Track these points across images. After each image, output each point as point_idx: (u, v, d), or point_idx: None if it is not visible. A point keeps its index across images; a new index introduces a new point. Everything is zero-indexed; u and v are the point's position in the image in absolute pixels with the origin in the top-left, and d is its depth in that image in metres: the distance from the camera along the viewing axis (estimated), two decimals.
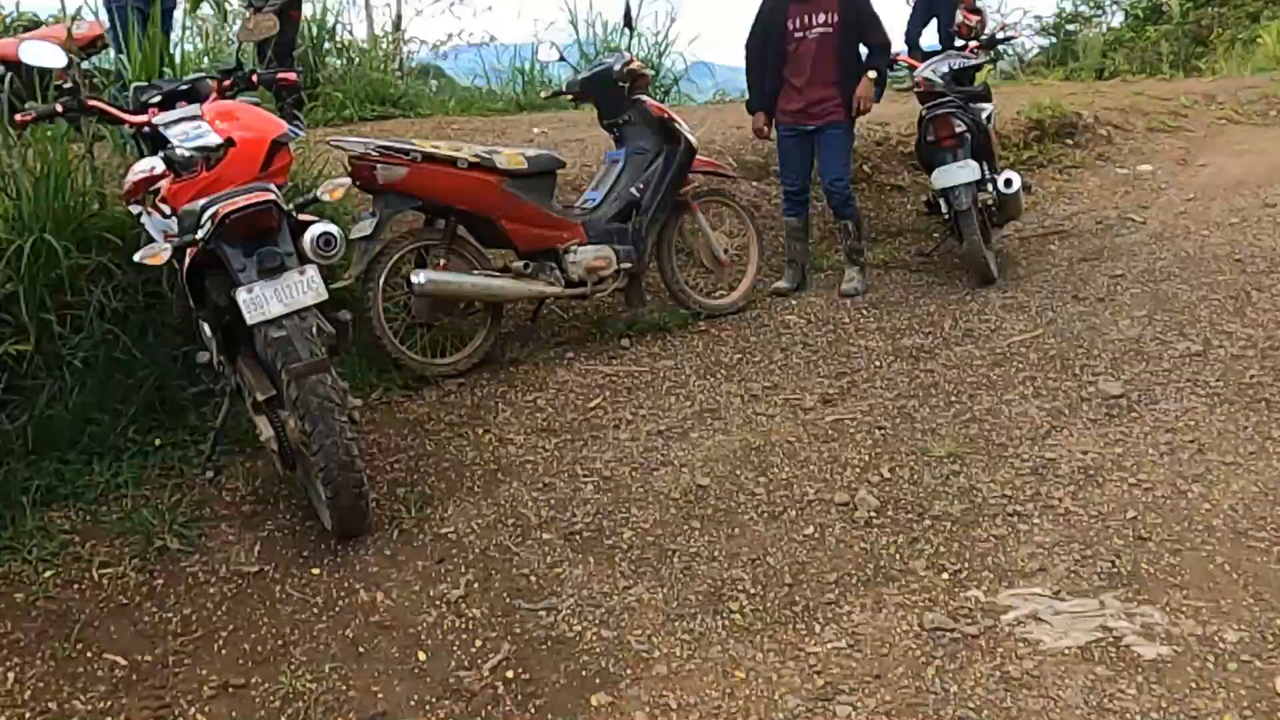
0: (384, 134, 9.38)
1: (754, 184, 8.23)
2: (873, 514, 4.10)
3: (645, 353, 5.89)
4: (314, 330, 3.68)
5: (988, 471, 4.38)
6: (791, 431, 4.84)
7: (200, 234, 3.66)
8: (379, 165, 5.32)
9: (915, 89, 6.99)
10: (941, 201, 6.83)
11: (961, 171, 6.57)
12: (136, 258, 3.70)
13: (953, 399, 5.11)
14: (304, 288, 3.62)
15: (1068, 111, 10.40)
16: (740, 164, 8.25)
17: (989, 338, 5.90)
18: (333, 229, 3.69)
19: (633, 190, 6.06)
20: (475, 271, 5.62)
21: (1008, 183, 6.70)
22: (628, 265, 5.96)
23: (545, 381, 5.50)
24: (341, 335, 4.23)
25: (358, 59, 11.74)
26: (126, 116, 4.50)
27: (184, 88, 4.65)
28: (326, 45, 11.98)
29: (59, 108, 4.39)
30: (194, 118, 4.09)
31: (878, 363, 5.64)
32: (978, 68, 7.28)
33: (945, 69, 6.95)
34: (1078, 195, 9.02)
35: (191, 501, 4.29)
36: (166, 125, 4.09)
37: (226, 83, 4.58)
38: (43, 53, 4.35)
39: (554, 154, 5.92)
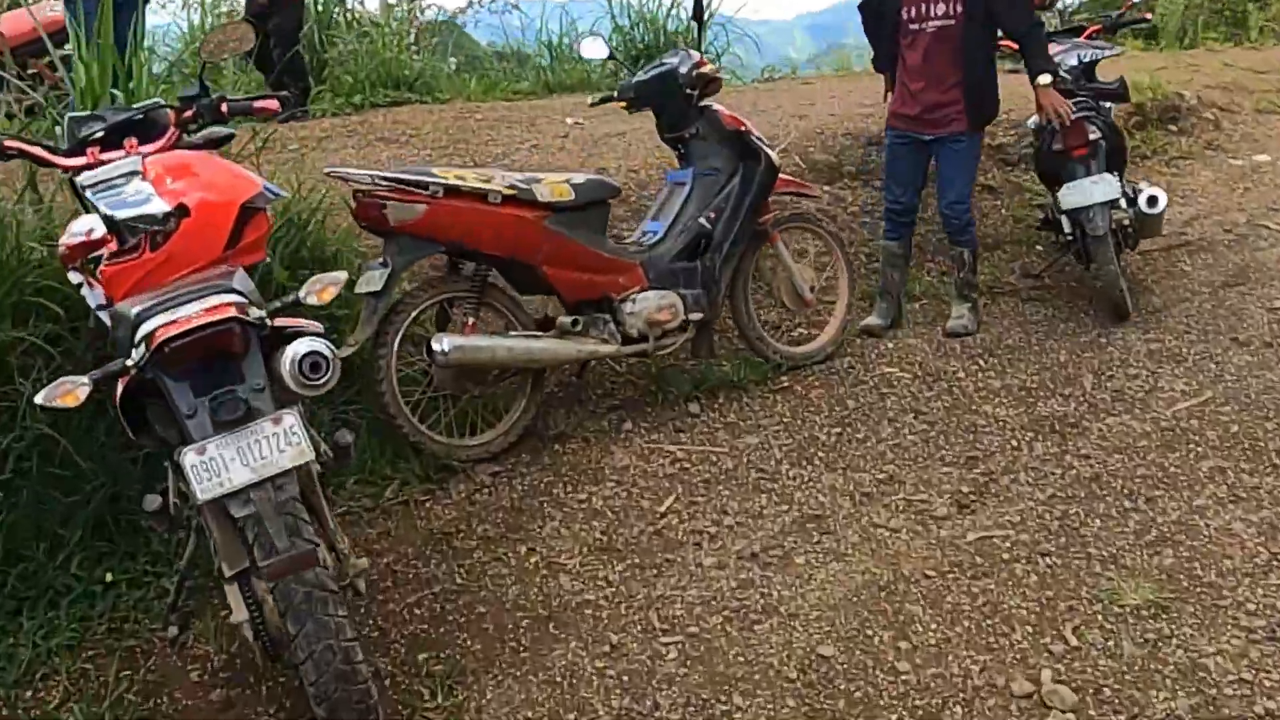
0: (398, 125, 8.31)
1: (825, 188, 7.08)
2: (1070, 715, 2.99)
3: (720, 422, 4.78)
4: (296, 503, 2.59)
5: (1206, 634, 3.27)
6: (926, 557, 3.74)
7: (133, 359, 2.57)
8: (390, 203, 4.21)
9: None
10: (1064, 220, 5.68)
11: (1096, 188, 5.41)
12: (39, 399, 2.62)
13: (1127, 504, 4.00)
14: (280, 442, 2.53)
15: (1169, 93, 9.17)
16: (808, 165, 7.10)
17: (1146, 403, 4.78)
18: (322, 348, 2.59)
19: (702, 220, 4.93)
20: (511, 333, 4.51)
21: (1151, 201, 5.54)
22: (698, 314, 4.84)
23: (600, 468, 4.41)
24: (341, 459, 3.16)
25: (370, 34, 10.59)
26: (55, 159, 3.40)
27: (136, 118, 3.54)
28: (335, 19, 10.88)
29: None
30: (130, 174, 2.97)
31: (1014, 442, 4.52)
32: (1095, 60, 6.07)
33: (1074, 61, 5.77)
34: (1192, 194, 7.82)
35: (147, 681, 3.23)
36: (93, 186, 2.98)
37: (188, 113, 3.46)
38: None
39: (607, 180, 4.80)
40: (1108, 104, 5.92)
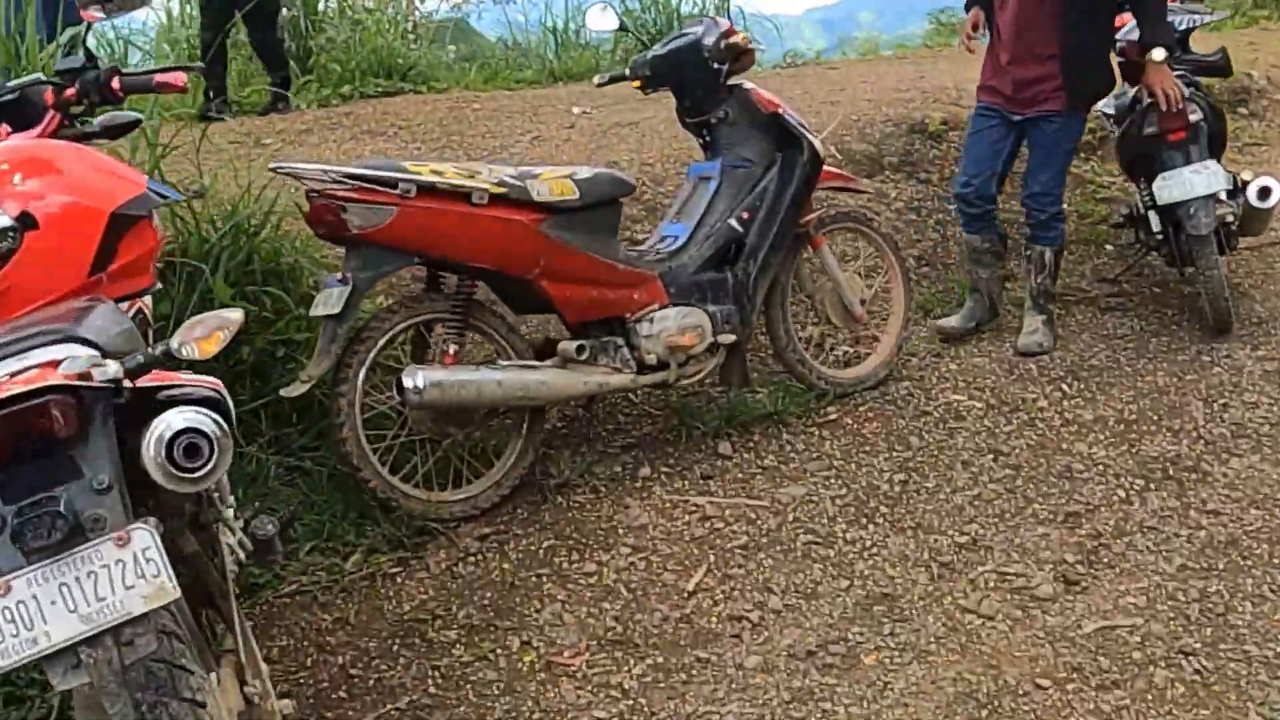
0: (387, 116, 7.48)
1: (865, 181, 6.24)
2: None
3: (756, 466, 3.95)
4: (158, 664, 1.75)
5: None
6: (1034, 658, 2.90)
7: None
8: (350, 205, 3.39)
9: (1119, 59, 4.92)
10: (1153, 216, 4.83)
11: (1198, 179, 4.56)
12: None
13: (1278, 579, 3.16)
14: (127, 575, 1.69)
15: (1236, 72, 8.28)
16: (845, 155, 6.26)
17: (1274, 438, 3.93)
18: (202, 423, 1.75)
19: (733, 222, 4.09)
20: (502, 362, 3.69)
21: (1263, 193, 4.67)
22: (728, 336, 4.00)
23: (613, 528, 3.58)
24: (262, 554, 2.35)
25: (364, 21, 9.78)
26: None
27: (6, 99, 2.72)
28: (323, 6, 10.06)
29: None
30: None
31: (1121, 492, 3.68)
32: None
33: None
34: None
35: None
36: None
37: (69, 91, 2.64)
38: None
39: (618, 174, 3.96)
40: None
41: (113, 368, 1.76)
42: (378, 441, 3.59)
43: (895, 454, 3.98)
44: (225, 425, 1.78)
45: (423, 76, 9.00)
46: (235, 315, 1.84)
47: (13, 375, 1.66)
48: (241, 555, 2.33)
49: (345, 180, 3.41)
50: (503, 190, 3.56)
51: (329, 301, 3.44)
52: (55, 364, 1.69)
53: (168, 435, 1.74)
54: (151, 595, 1.66)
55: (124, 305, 2.19)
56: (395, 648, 3.07)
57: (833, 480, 3.82)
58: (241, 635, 2.20)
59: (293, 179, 3.58)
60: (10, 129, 2.68)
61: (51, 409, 1.63)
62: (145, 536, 1.66)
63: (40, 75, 2.77)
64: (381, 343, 3.54)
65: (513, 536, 3.58)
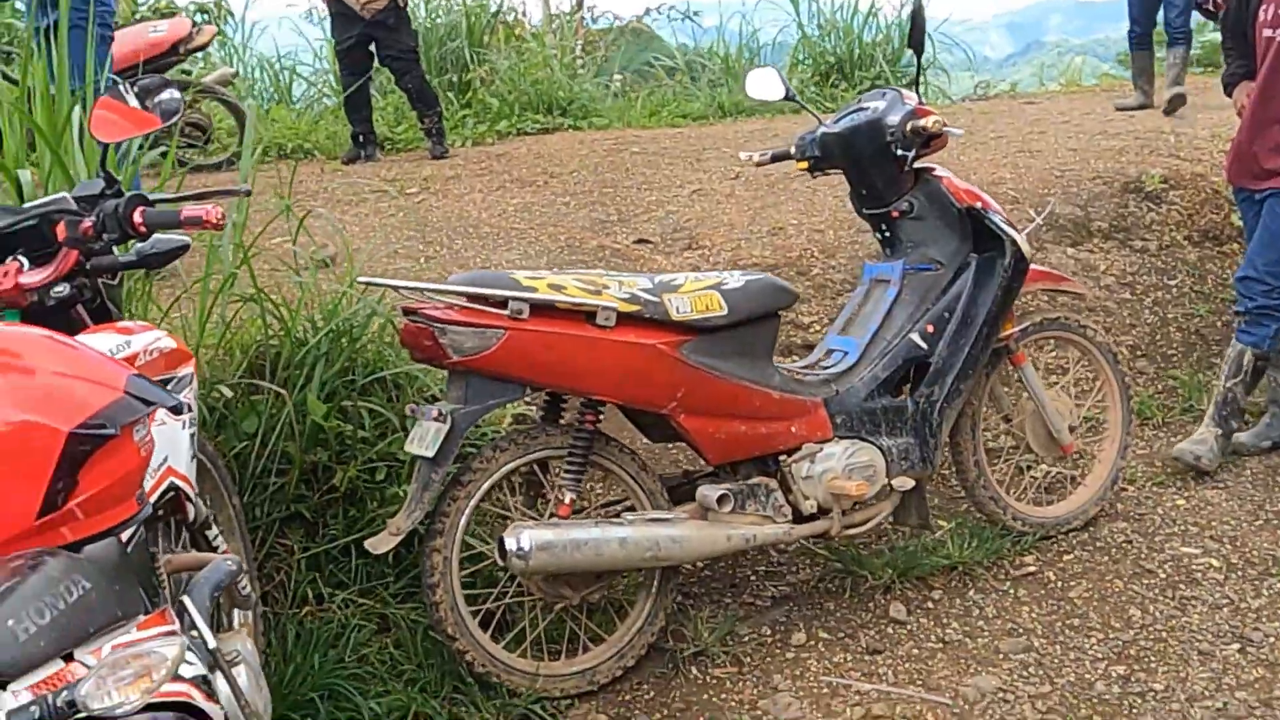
0: (540, 160, 6.97)
1: (1068, 251, 5.43)
2: None
3: (936, 638, 3.24)
4: None
5: None
6: None
7: None
8: (450, 328, 2.83)
9: None
10: None
11: None
12: None
13: None
14: None
15: None
16: (1045, 221, 5.43)
17: None
18: None
19: (915, 338, 3.39)
20: (627, 516, 3.07)
21: None
22: (905, 479, 3.31)
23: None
24: None
25: (529, 49, 9.36)
26: None
27: (26, 225, 2.23)
28: (488, 33, 9.69)
29: None
30: None
31: None
32: None
33: None
34: None
35: None
36: None
37: (85, 225, 2.12)
38: None
39: (778, 282, 3.29)
40: None
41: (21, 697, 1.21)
42: (479, 600, 3.03)
43: (1111, 634, 3.21)
44: None
45: (584, 111, 8.50)
46: (170, 651, 1.27)
47: None
48: None
49: (446, 297, 2.86)
50: (634, 308, 2.96)
51: (424, 440, 2.88)
52: None
53: None
54: None
55: (95, 549, 1.65)
56: None
57: (1032, 670, 3.08)
58: None
59: (383, 289, 3.05)
60: (24, 263, 2.19)
61: None
62: None
63: (67, 196, 2.27)
64: (485, 487, 2.98)
65: None
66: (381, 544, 2.95)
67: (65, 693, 1.24)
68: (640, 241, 5.31)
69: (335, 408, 3.34)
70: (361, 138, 7.04)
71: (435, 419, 2.87)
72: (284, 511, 3.27)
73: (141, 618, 1.69)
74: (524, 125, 8.15)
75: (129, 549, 1.83)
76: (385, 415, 3.40)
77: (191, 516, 2.42)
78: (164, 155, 3.75)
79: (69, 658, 1.47)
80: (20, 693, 1.32)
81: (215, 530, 2.61)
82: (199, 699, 1.47)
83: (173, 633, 1.69)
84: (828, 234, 5.19)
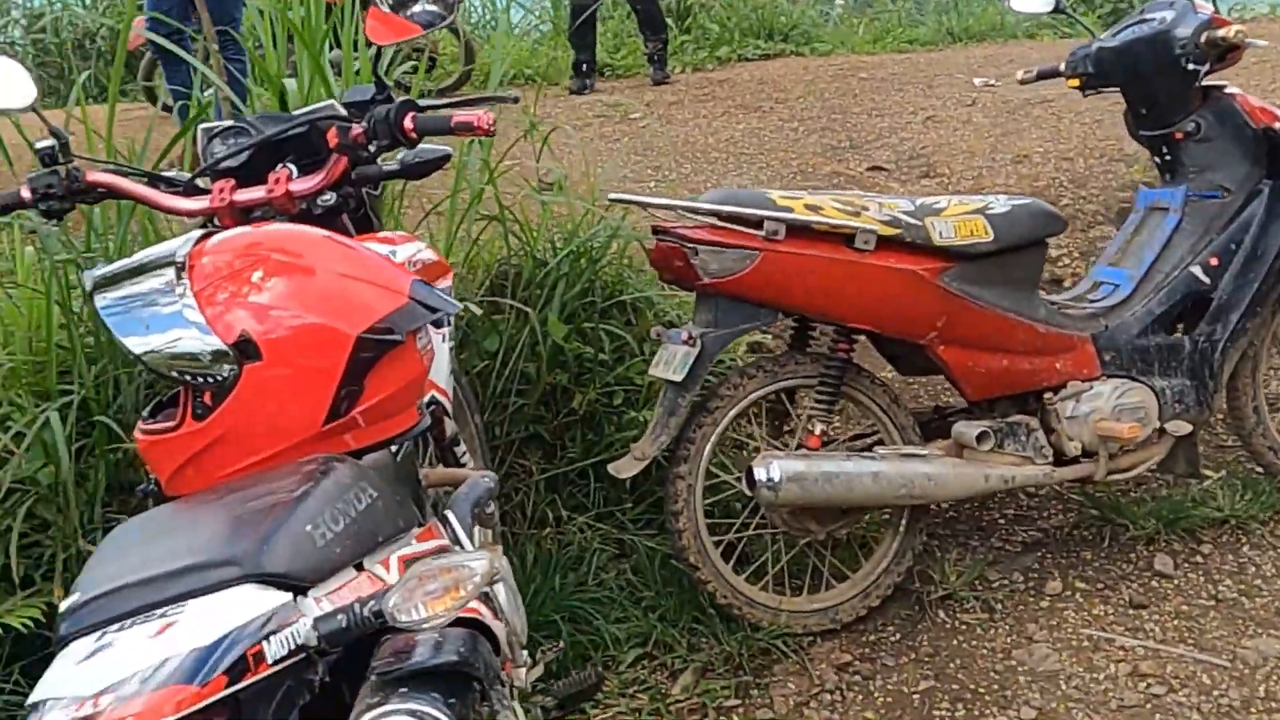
0: (764, 86, 6.79)
1: None
2: None
3: (1208, 596, 3.01)
4: None
5: None
6: None
7: None
8: (701, 248, 2.72)
9: None
10: None
11: None
12: None
13: None
14: None
15: None
16: None
17: None
18: None
19: (1196, 271, 3.12)
20: (880, 450, 2.92)
21: None
22: (1180, 423, 3.06)
23: (1011, 674, 2.78)
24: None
25: None
26: (163, 199, 2.13)
27: (296, 132, 2.21)
28: None
29: (25, 193, 2.08)
30: (163, 265, 1.58)
31: None
32: None
33: None
34: None
35: None
36: (102, 289, 1.62)
37: (356, 131, 2.08)
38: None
39: (1046, 208, 3.06)
40: None
41: (300, 632, 1.17)
42: (719, 531, 2.95)
43: None
44: None
45: (805, 37, 8.25)
46: (480, 566, 1.20)
47: (128, 692, 1.06)
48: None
49: (699, 217, 2.76)
50: (895, 231, 2.79)
51: (671, 364, 2.80)
52: (191, 674, 1.09)
53: None
54: None
55: (373, 459, 1.61)
56: None
57: None
58: None
59: (633, 206, 2.96)
60: (293, 170, 2.17)
61: None
62: None
63: (335, 103, 2.25)
64: (732, 414, 2.88)
65: (880, 669, 2.85)
66: (625, 468, 2.88)
67: (372, 603, 1.19)
68: (874, 169, 5.10)
69: (575, 330, 3.28)
70: (585, 66, 6.98)
71: (684, 342, 2.78)
72: (523, 432, 3.25)
73: (417, 530, 1.65)
74: (744, 51, 7.96)
75: (398, 460, 1.80)
76: (624, 338, 3.33)
77: (447, 432, 2.39)
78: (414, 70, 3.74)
79: (359, 567, 1.43)
80: (322, 600, 1.29)
81: (463, 447, 2.58)
82: (487, 616, 1.41)
83: (443, 548, 1.65)
84: (1077, 162, 4.88)
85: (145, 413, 1.70)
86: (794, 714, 2.73)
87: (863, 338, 2.98)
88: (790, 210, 2.75)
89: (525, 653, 2.09)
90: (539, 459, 3.26)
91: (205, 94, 3.32)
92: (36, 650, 2.57)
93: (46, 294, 2.61)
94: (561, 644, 2.41)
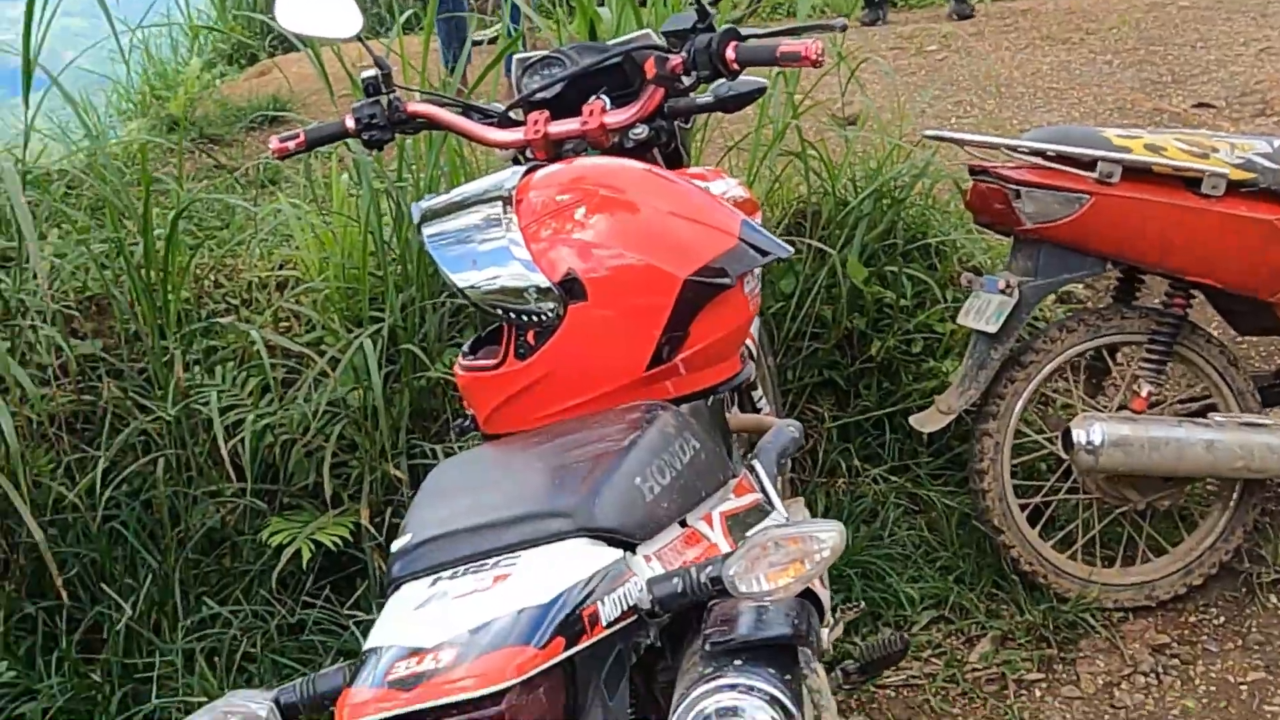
0: (1072, 16, 6.35)
1: None
2: None
3: None
4: None
5: None
6: None
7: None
8: (1025, 191, 2.53)
9: None
10: None
11: None
12: None
13: None
14: None
15: None
16: None
17: None
18: (757, 699, 1.02)
19: None
20: (1215, 416, 2.66)
21: None
22: None
23: None
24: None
25: None
26: (478, 131, 2.12)
27: (610, 62, 2.14)
28: None
29: (349, 122, 2.10)
30: (491, 199, 1.54)
31: None
32: None
33: None
34: None
35: None
36: (429, 220, 1.58)
37: (675, 62, 1.99)
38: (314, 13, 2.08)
39: None
40: None
41: (633, 593, 1.11)
42: (1027, 493, 2.77)
43: None
44: (795, 712, 1.05)
45: None
46: (829, 539, 1.10)
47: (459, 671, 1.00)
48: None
49: (1024, 156, 2.55)
50: (1248, 176, 2.51)
51: (984, 313, 2.63)
52: (530, 632, 1.04)
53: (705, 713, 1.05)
54: None
55: (691, 408, 1.54)
56: None
57: None
58: None
59: (948, 143, 2.78)
60: (607, 102, 2.11)
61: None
62: None
63: (651, 33, 2.17)
64: (1047, 370, 2.68)
65: (1201, 654, 2.62)
66: (928, 422, 2.74)
67: (710, 569, 1.12)
68: (1201, 105, 4.68)
69: (875, 273, 3.14)
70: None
71: (1001, 291, 2.59)
72: (816, 377, 3.15)
73: (732, 483, 1.58)
74: None
75: (711, 408, 1.72)
76: (926, 283, 3.16)
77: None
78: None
79: (682, 523, 1.36)
80: (650, 559, 1.23)
81: (759, 391, 2.50)
82: (817, 584, 1.32)
83: (758, 504, 1.56)
84: None
85: (465, 348, 1.68)
86: (1102, 694, 2.54)
87: (1200, 293, 2.71)
88: (1128, 150, 2.51)
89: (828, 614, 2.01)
90: (831, 406, 3.15)
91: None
92: (344, 567, 2.68)
93: (363, 223, 2.66)
94: (862, 604, 2.31)
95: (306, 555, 2.48)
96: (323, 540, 2.52)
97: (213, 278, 3.09)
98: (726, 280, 1.51)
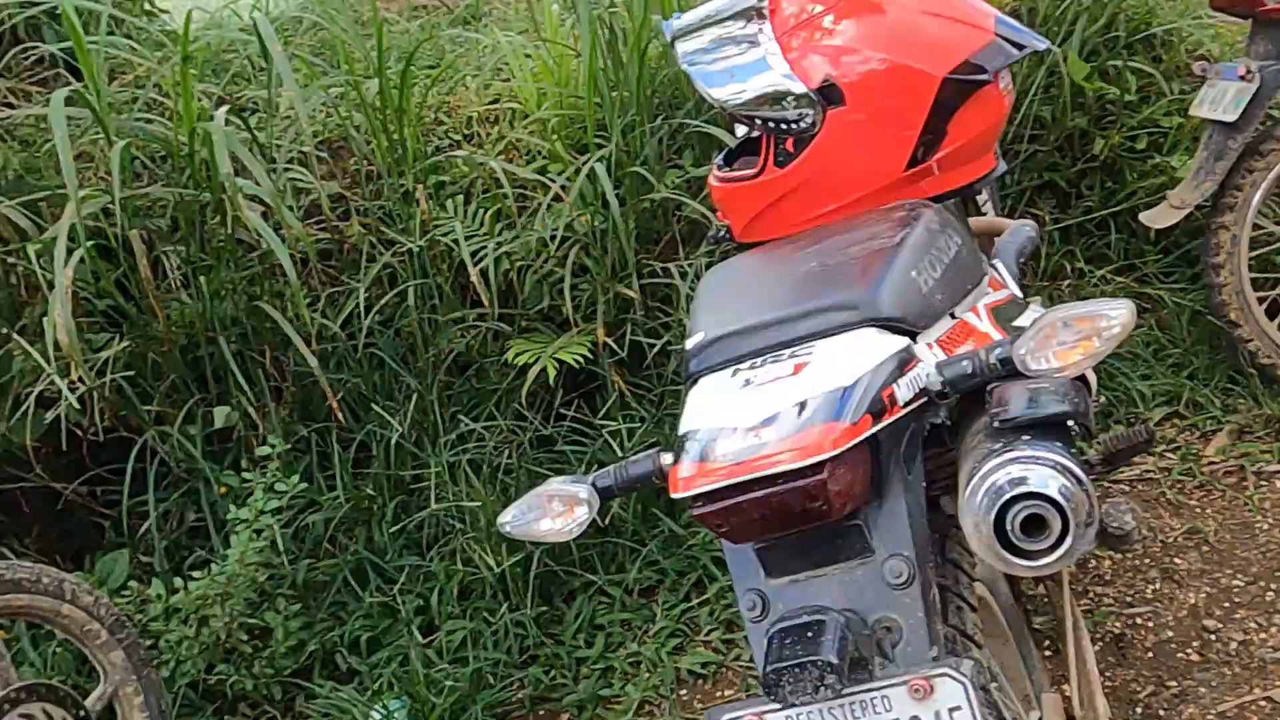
0: None
1: None
2: None
3: None
4: None
5: None
6: None
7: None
8: None
9: None
10: None
11: None
12: None
13: None
14: None
15: None
16: None
17: None
18: (1060, 489, 1.08)
19: None
20: None
21: None
22: None
23: None
24: (1114, 545, 1.72)
25: None
26: None
27: None
28: None
29: None
30: (744, 11, 1.55)
31: None
32: None
33: None
34: None
35: None
36: (684, 36, 1.62)
37: None
38: None
39: None
40: None
41: (925, 376, 1.17)
42: (1265, 286, 2.71)
43: None
44: (1087, 481, 1.11)
45: None
46: (1119, 316, 1.13)
47: (775, 446, 1.08)
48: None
49: None
50: None
51: (1221, 102, 2.54)
52: (839, 412, 1.11)
53: (1001, 497, 1.12)
54: None
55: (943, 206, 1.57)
56: (1268, 595, 2.30)
57: None
58: (1078, 660, 1.61)
59: None
60: None
61: (825, 487, 1.09)
62: (956, 692, 1.09)
63: None
64: None
65: None
66: (1160, 218, 2.69)
67: (999, 350, 1.17)
68: None
69: (1096, 69, 3.05)
70: None
71: (1240, 78, 2.50)
72: (1036, 180, 3.10)
73: (986, 278, 1.61)
74: None
75: (957, 207, 1.75)
76: (1151, 76, 3.06)
77: None
78: None
79: (951, 315, 1.42)
80: (932, 346, 1.29)
81: (984, 194, 2.49)
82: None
83: (1013, 298, 1.60)
84: None
85: (718, 160, 1.74)
86: None
87: None
88: None
89: None
90: (1052, 208, 3.11)
91: None
92: (584, 385, 2.82)
93: (589, 50, 2.70)
94: (1102, 397, 2.33)
95: (551, 373, 2.62)
96: (564, 359, 2.66)
97: (433, 115, 3.20)
98: (985, 76, 1.52)
